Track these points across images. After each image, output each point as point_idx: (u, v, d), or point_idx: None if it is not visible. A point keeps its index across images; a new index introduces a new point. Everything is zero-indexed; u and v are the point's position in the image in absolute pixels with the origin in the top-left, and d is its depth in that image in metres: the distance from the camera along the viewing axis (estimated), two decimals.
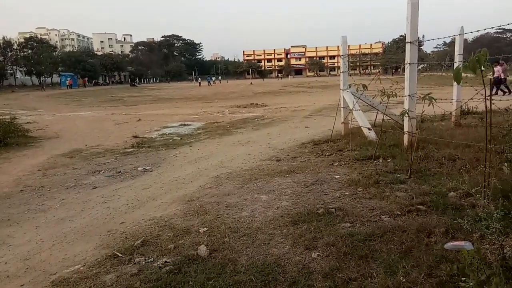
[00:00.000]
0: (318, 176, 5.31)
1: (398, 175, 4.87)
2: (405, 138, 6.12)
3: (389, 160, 5.67)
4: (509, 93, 16.67)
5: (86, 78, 74.38)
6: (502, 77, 17.08)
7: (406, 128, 6.06)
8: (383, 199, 4.07)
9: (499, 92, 16.80)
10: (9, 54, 70.07)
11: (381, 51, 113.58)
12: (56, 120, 16.99)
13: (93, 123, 15.43)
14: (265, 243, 3.27)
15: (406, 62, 6.04)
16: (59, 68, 77.34)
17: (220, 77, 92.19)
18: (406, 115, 5.61)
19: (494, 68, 17.04)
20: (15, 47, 71.01)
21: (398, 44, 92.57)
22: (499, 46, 72.05)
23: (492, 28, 5.96)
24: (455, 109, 7.87)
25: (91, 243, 3.70)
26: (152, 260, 3.12)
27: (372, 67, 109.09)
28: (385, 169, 5.22)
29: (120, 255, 3.28)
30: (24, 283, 3.06)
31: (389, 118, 7.33)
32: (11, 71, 73.03)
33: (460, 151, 5.51)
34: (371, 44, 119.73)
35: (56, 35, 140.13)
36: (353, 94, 8.10)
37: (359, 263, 2.75)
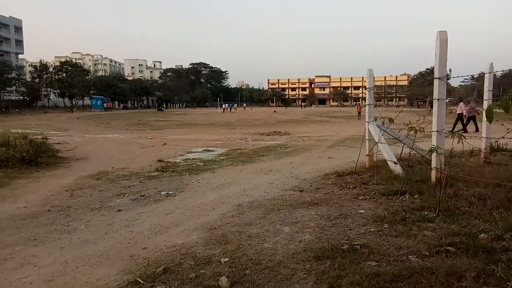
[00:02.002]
0: (342, 209, 5.22)
1: (426, 213, 4.72)
2: (433, 174, 5.97)
3: (416, 196, 5.52)
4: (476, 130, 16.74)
5: (111, 103, 76.59)
6: (464, 114, 18.46)
7: (434, 164, 5.93)
8: (410, 238, 3.94)
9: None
10: (45, 76, 73.72)
11: (406, 84, 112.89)
12: (85, 141, 17.54)
13: (120, 145, 15.83)
14: (287, 278, 3.21)
15: (434, 97, 5.99)
16: (91, 91, 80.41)
17: (245, 104, 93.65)
18: (435, 151, 5.49)
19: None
20: (50, 70, 74.76)
21: (424, 77, 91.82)
22: None
23: None
24: (485, 147, 7.66)
25: (113, 268, 3.72)
26: None
27: (397, 99, 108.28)
28: (412, 205, 5.07)
29: (142, 282, 3.28)
30: None
31: (415, 152, 7.20)
32: (45, 93, 76.55)
33: (490, 190, 5.31)
34: (396, 76, 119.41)
35: (90, 59, 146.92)
36: (378, 127, 8.04)
37: None
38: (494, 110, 2.95)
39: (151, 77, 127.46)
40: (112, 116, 47.48)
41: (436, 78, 5.95)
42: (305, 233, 4.32)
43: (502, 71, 5.92)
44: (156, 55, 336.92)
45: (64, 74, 76.24)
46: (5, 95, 70.89)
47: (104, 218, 5.64)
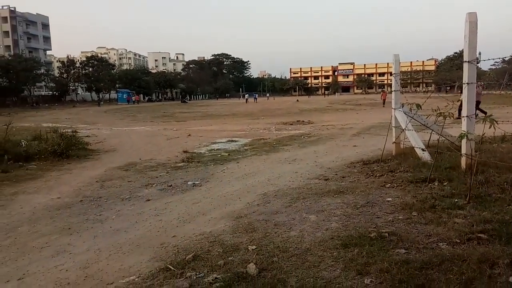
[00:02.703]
0: (369, 197, 5.17)
1: (456, 200, 4.61)
2: (463, 160, 5.81)
3: (445, 184, 5.40)
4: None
5: (138, 95, 78.06)
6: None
7: (464, 150, 5.76)
8: (440, 225, 3.87)
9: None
10: (72, 71, 75.78)
11: (434, 69, 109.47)
12: (113, 134, 17.99)
13: (146, 137, 16.15)
14: (315, 265, 3.22)
15: (464, 82, 5.79)
16: (117, 85, 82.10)
17: (268, 94, 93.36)
18: (465, 137, 5.33)
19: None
20: (77, 65, 76.74)
21: (453, 62, 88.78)
22: None
23: None
24: None
25: (145, 255, 3.84)
26: (203, 276, 3.18)
27: (424, 85, 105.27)
28: (442, 193, 4.96)
29: (172, 268, 3.37)
30: None
31: (444, 139, 7.02)
32: (73, 87, 78.77)
33: None
34: (423, 61, 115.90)
35: (115, 54, 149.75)
36: (405, 113, 7.86)
37: None
38: None
39: (174, 70, 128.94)
40: (137, 108, 48.41)
41: (465, 61, 5.75)
42: (332, 221, 4.31)
43: None
44: (179, 48, 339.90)
45: (90, 69, 78.15)
46: (35, 91, 73.40)
47: (134, 208, 5.80)
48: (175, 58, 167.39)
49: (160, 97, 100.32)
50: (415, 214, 4.30)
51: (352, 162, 8.06)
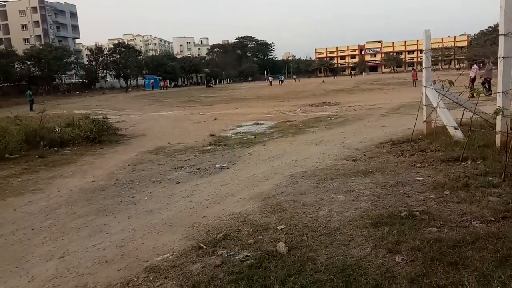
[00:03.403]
0: (398, 177, 5.09)
1: (490, 178, 4.48)
2: (498, 138, 5.60)
3: (479, 162, 5.23)
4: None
5: (166, 81, 79.10)
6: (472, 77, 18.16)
7: (499, 128, 5.55)
8: (474, 204, 3.78)
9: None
10: (100, 59, 77.37)
11: (466, 45, 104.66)
12: (141, 119, 18.39)
13: (174, 122, 16.43)
14: (344, 244, 3.24)
15: (499, 55, 5.53)
16: (143, 71, 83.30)
17: (294, 76, 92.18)
18: (500, 113, 5.13)
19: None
20: (105, 52, 78.20)
21: (487, 37, 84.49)
22: None
23: None
24: None
25: (177, 234, 3.96)
26: (234, 254, 3.26)
27: (456, 62, 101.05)
28: (475, 171, 4.82)
29: (204, 246, 3.47)
30: (121, 268, 3.36)
31: (478, 116, 6.77)
32: (102, 75, 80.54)
33: None
34: (455, 37, 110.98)
35: (140, 40, 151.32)
36: (437, 91, 7.61)
37: (448, 270, 2.60)
38: None
39: (198, 54, 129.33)
40: (164, 94, 49.10)
41: (501, 34, 5.47)
42: (361, 201, 4.29)
43: None
44: (203, 31, 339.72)
45: (118, 56, 79.38)
46: (66, 79, 75.55)
47: (165, 190, 5.96)
48: (200, 43, 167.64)
49: (185, 82, 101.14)
50: (447, 193, 4.21)
51: (381, 142, 7.93)
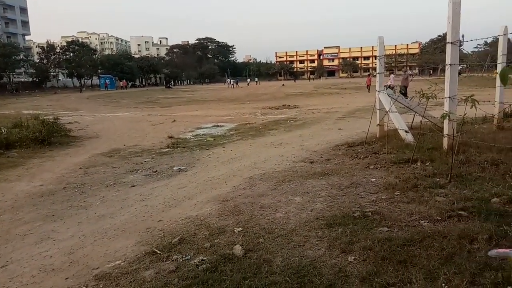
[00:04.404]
0: (353, 178, 5.23)
1: (438, 179, 4.71)
2: (445, 141, 5.92)
3: (427, 164, 5.50)
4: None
5: (126, 81, 76.76)
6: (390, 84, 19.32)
7: (446, 131, 5.86)
8: (422, 204, 3.95)
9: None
10: (52, 57, 73.67)
11: (418, 52, 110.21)
12: (96, 120, 17.69)
13: (130, 123, 15.94)
14: (300, 245, 3.27)
15: (446, 63, 5.84)
16: (99, 70, 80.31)
17: (256, 79, 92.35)
18: (447, 117, 5.42)
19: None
20: (58, 50, 74.58)
21: (436, 45, 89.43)
22: None
23: None
24: (498, 112, 7.52)
25: (130, 240, 3.83)
26: (189, 258, 3.19)
27: (408, 68, 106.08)
28: (424, 173, 5.06)
29: (158, 252, 3.37)
30: (68, 277, 3.19)
31: (427, 120, 7.11)
32: (54, 73, 76.73)
33: (503, 156, 5.26)
34: (407, 45, 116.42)
35: (96, 38, 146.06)
36: (389, 96, 7.93)
37: (398, 268, 2.69)
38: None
39: (157, 54, 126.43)
40: (121, 94, 47.60)
41: (448, 42, 5.79)
42: (317, 202, 4.36)
43: None
44: (162, 32, 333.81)
45: (71, 54, 75.89)
46: (15, 77, 71.24)
47: (119, 194, 5.75)
48: (158, 43, 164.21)
49: (143, 83, 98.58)
50: (398, 193, 4.38)
51: (337, 145, 8.13)
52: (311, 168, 6.21)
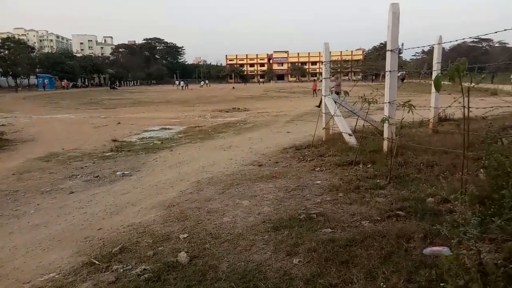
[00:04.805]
0: (300, 181, 5.32)
1: (378, 181, 4.92)
2: (385, 144, 6.21)
3: (369, 166, 5.73)
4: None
5: (68, 81, 72.76)
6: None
7: (385, 134, 6.15)
8: (363, 205, 4.10)
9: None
10: None
11: (361, 58, 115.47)
12: (32, 122, 16.54)
13: (71, 126, 15.09)
14: (246, 250, 3.24)
15: (386, 69, 6.14)
16: (37, 69, 75.35)
17: (207, 81, 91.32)
18: (386, 121, 5.69)
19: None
20: None
21: (378, 52, 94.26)
22: (475, 55, 73.90)
23: (470, 37, 6.11)
24: (433, 116, 8.04)
25: (67, 250, 3.58)
26: (131, 268, 3.05)
27: (353, 74, 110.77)
28: (365, 174, 5.27)
29: (97, 262, 3.19)
30: None
31: (369, 124, 7.43)
32: None
33: (438, 157, 5.62)
34: (352, 51, 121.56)
35: (34, 36, 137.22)
36: (334, 100, 8.19)
37: (340, 269, 2.75)
38: (443, 81, 3.06)
39: (102, 54, 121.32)
40: (61, 95, 44.95)
41: (388, 50, 6.09)
42: (264, 206, 4.37)
43: (450, 42, 6.18)
44: (107, 31, 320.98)
45: (6, 52, 70.50)
46: None
47: (56, 201, 5.39)
48: (103, 42, 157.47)
49: (86, 83, 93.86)
50: (341, 195, 4.51)
51: (285, 148, 8.25)
52: (259, 171, 6.23)
